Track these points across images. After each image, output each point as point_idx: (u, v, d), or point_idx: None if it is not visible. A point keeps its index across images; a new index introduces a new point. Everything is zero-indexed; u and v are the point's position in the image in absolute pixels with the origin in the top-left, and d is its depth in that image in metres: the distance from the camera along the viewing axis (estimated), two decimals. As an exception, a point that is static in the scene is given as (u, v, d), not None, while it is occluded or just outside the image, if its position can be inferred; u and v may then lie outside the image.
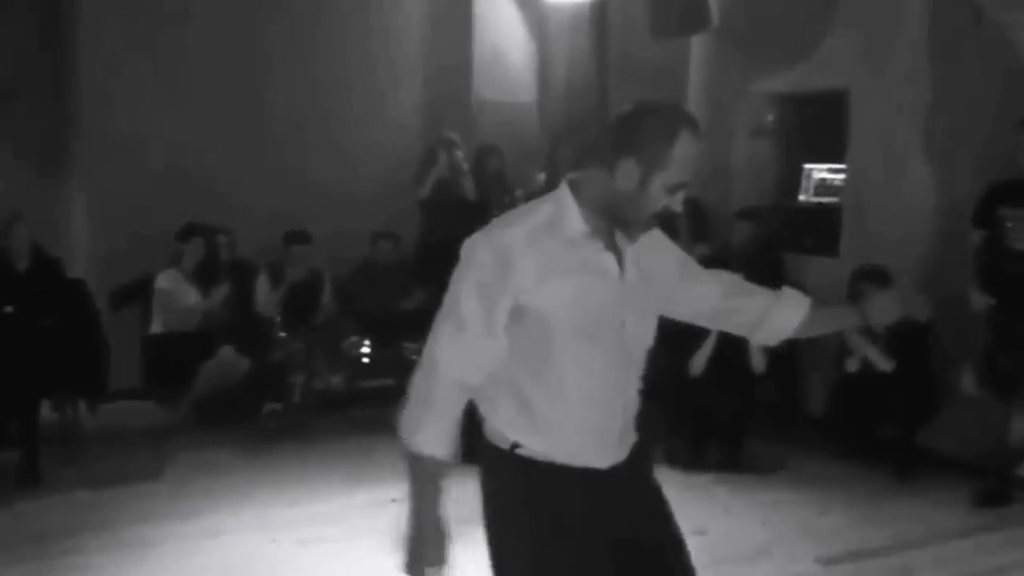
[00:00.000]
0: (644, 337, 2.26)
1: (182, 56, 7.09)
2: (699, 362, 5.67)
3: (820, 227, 6.58)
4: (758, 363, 5.67)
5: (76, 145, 7.12)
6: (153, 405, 6.41)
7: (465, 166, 7.45)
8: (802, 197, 6.90)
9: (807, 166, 6.90)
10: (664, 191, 2.06)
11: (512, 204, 7.52)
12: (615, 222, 2.12)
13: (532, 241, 2.06)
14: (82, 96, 6.98)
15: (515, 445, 2.15)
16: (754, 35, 6.79)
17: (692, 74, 7.34)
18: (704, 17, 6.79)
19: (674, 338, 5.63)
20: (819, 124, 6.85)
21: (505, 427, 2.16)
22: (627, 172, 2.04)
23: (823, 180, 6.79)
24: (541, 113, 8.34)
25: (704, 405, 5.72)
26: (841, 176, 6.59)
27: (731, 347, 5.64)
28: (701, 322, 2.48)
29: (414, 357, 6.58)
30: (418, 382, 2.10)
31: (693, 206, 6.72)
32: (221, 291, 6.52)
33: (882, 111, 6.01)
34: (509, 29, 8.17)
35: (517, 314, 2.07)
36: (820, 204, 6.74)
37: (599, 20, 8.02)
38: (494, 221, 2.19)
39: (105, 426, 5.99)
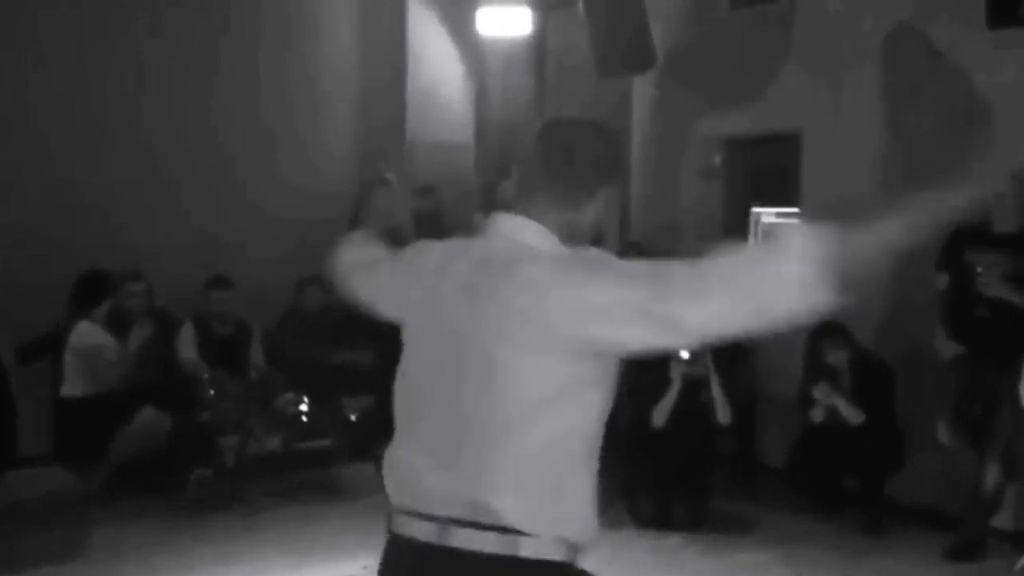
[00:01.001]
0: None
1: (82, 81, 6.60)
2: (661, 413, 5.43)
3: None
4: (723, 414, 5.46)
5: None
6: (66, 473, 5.84)
7: (403, 209, 7.11)
8: (751, 242, 6.74)
9: (755, 209, 6.76)
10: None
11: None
12: None
13: None
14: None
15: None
16: (700, 75, 6.65)
17: (635, 113, 7.16)
18: (649, 56, 6.64)
19: (635, 390, 5.47)
20: (768, 167, 6.73)
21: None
22: (603, 199, 1.91)
23: (771, 224, 6.67)
24: (478, 153, 8.06)
25: (667, 459, 5.47)
26: (792, 220, 6.46)
27: (693, 397, 5.43)
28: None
29: (352, 416, 6.31)
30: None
31: (636, 249, 6.53)
32: (142, 331, 5.94)
33: (836, 153, 5.91)
34: (444, 65, 7.89)
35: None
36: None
37: (537, 57, 7.82)
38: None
39: (13, 498, 5.42)
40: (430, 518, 1.76)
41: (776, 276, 1.56)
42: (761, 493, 5.92)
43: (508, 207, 1.93)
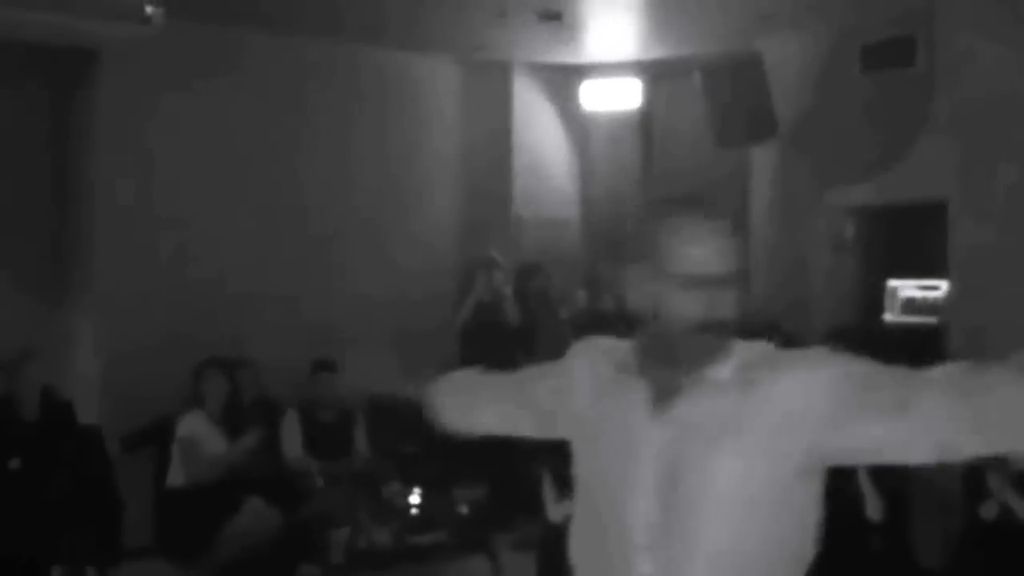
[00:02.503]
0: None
1: (204, 169, 6.51)
2: None
3: (913, 348, 5.97)
4: (873, 508, 4.96)
5: (80, 270, 6.45)
6: (171, 567, 5.56)
7: (507, 288, 6.85)
8: (888, 316, 6.31)
9: (892, 283, 6.34)
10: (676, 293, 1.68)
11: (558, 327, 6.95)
12: None
13: None
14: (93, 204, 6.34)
15: None
16: (827, 142, 6.31)
17: (755, 185, 6.83)
18: (771, 125, 6.36)
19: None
20: (904, 238, 6.32)
21: None
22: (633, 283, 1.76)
23: (912, 298, 6.23)
24: (585, 229, 7.79)
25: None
26: (935, 293, 6.04)
27: (838, 492, 4.96)
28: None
29: (463, 510, 5.96)
30: None
31: (769, 330, 6.13)
32: (252, 437, 5.70)
33: (986, 226, 5.49)
34: (550, 138, 7.69)
35: None
36: (913, 324, 6.15)
37: (645, 129, 7.57)
38: None
39: (117, 595, 5.15)
40: None
41: None
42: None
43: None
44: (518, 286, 6.99)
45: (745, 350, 1.66)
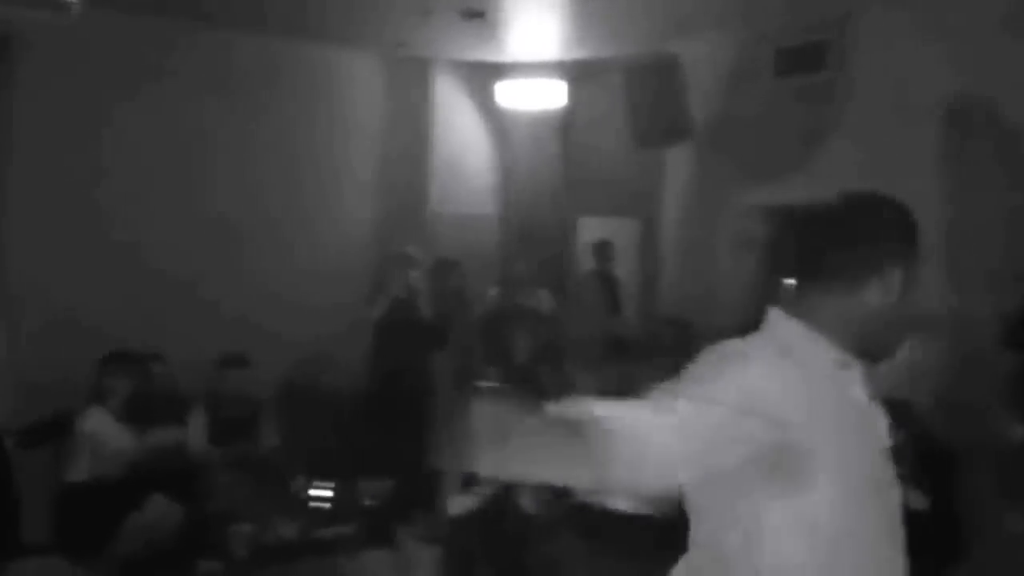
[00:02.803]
0: None
1: (115, 160, 6.39)
2: None
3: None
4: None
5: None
6: (68, 565, 5.45)
7: (423, 285, 6.84)
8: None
9: (788, 281, 6.46)
10: None
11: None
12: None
13: None
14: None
15: None
16: (739, 145, 6.42)
17: (669, 184, 6.92)
18: (687, 126, 6.46)
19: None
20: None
21: None
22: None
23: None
24: (502, 227, 7.82)
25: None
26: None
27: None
28: None
29: (369, 502, 5.94)
30: None
31: (676, 326, 6.23)
32: (162, 435, 5.61)
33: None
34: (469, 138, 7.70)
35: None
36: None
37: (564, 130, 7.63)
38: None
39: (10, 593, 5.02)
40: None
41: None
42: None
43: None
44: (434, 283, 6.98)
45: None
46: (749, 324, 5.99)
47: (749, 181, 6.41)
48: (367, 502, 5.92)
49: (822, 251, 1.73)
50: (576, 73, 7.47)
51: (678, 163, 6.89)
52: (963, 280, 5.30)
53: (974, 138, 5.38)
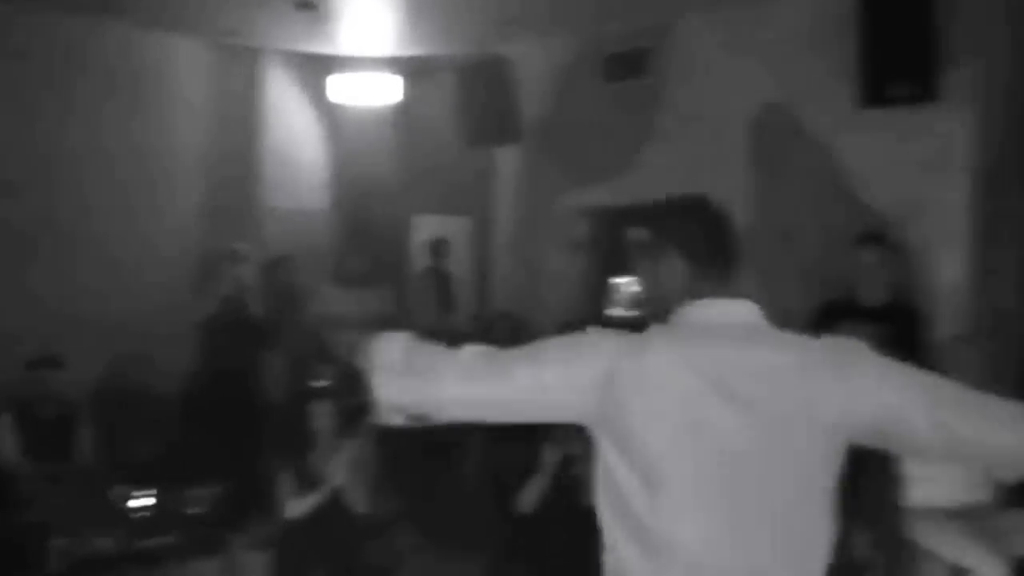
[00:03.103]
0: None
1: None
2: (528, 499, 5.03)
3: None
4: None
5: None
6: None
7: (253, 282, 6.69)
8: (612, 311, 6.67)
9: (614, 280, 6.72)
10: None
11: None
12: None
13: None
14: None
15: None
16: (566, 147, 6.59)
17: (499, 184, 7.03)
18: (517, 127, 6.57)
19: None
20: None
21: None
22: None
23: (631, 294, 6.62)
24: (335, 222, 7.73)
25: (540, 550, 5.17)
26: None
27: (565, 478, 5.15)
28: None
29: (196, 510, 5.77)
30: None
31: (508, 319, 6.34)
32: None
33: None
34: (300, 131, 7.57)
35: None
36: (631, 317, 6.53)
37: (397, 126, 7.61)
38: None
39: None
40: None
41: None
42: None
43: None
44: (264, 280, 6.84)
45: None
46: (579, 320, 6.16)
47: (576, 183, 6.59)
48: (193, 510, 5.75)
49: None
50: (410, 69, 7.47)
51: (508, 163, 7.01)
52: (774, 277, 5.63)
53: (780, 146, 5.71)
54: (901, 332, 4.83)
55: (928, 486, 4.37)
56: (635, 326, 1.75)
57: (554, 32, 6.67)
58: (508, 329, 6.32)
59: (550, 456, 4.90)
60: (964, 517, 4.26)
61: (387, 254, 7.58)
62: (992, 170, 5.10)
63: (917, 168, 5.16)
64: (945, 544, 4.26)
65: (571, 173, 6.57)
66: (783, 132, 5.65)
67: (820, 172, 5.46)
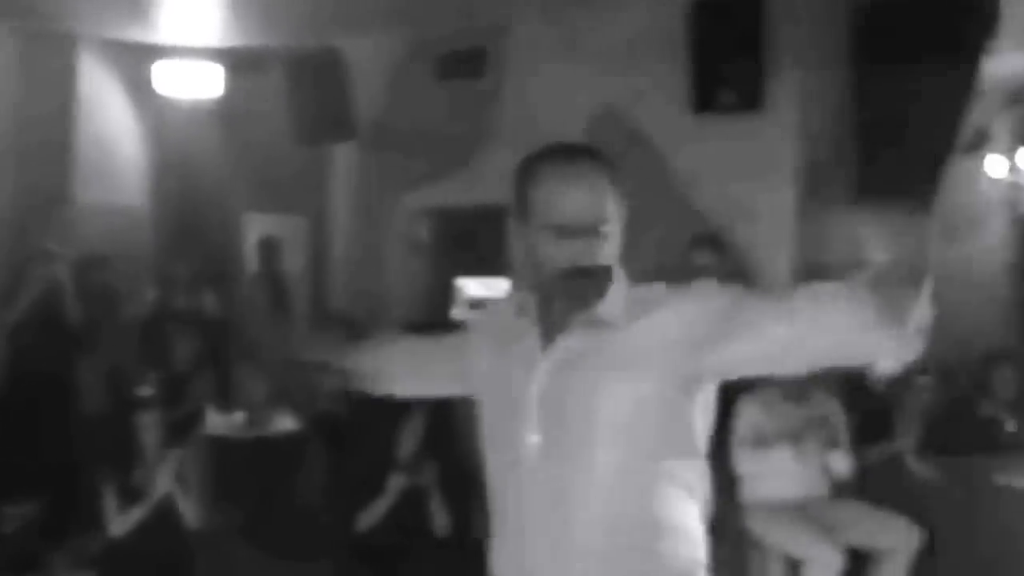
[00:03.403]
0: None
1: None
2: (368, 519, 4.87)
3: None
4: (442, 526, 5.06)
5: None
6: None
7: (67, 282, 6.26)
8: (455, 312, 6.65)
9: (459, 281, 6.68)
10: (546, 242, 1.75)
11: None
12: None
13: None
14: None
15: None
16: (404, 145, 6.49)
17: (335, 183, 6.86)
18: (349, 126, 6.42)
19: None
20: (476, 239, 6.67)
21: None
22: (514, 235, 1.85)
23: (477, 296, 6.61)
24: (156, 221, 7.34)
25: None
26: (498, 291, 6.43)
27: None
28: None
29: (4, 529, 5.34)
30: None
31: (348, 323, 6.19)
32: None
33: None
34: (118, 123, 7.14)
35: None
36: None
37: (223, 119, 7.29)
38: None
39: None
40: None
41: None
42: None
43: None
44: (79, 280, 6.42)
45: (639, 291, 1.82)
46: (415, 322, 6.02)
47: (415, 183, 6.50)
48: (5, 529, 5.35)
49: None
50: (236, 61, 7.18)
51: (344, 161, 6.85)
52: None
53: (615, 149, 5.81)
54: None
55: (763, 482, 4.55)
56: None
57: (388, 27, 6.57)
58: (347, 332, 6.18)
59: (395, 483, 4.77)
60: (798, 510, 4.46)
61: (216, 254, 7.27)
62: (814, 175, 5.37)
63: (746, 173, 5.37)
64: (781, 537, 4.44)
65: (410, 172, 6.48)
66: (619, 136, 5.75)
67: (655, 175, 5.59)
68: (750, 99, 5.29)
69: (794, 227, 5.34)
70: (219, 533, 5.00)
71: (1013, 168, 6.94)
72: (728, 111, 5.33)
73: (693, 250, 5.11)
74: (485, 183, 6.17)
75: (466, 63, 6.50)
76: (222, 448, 5.47)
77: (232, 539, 5.09)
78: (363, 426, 5.41)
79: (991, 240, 7.99)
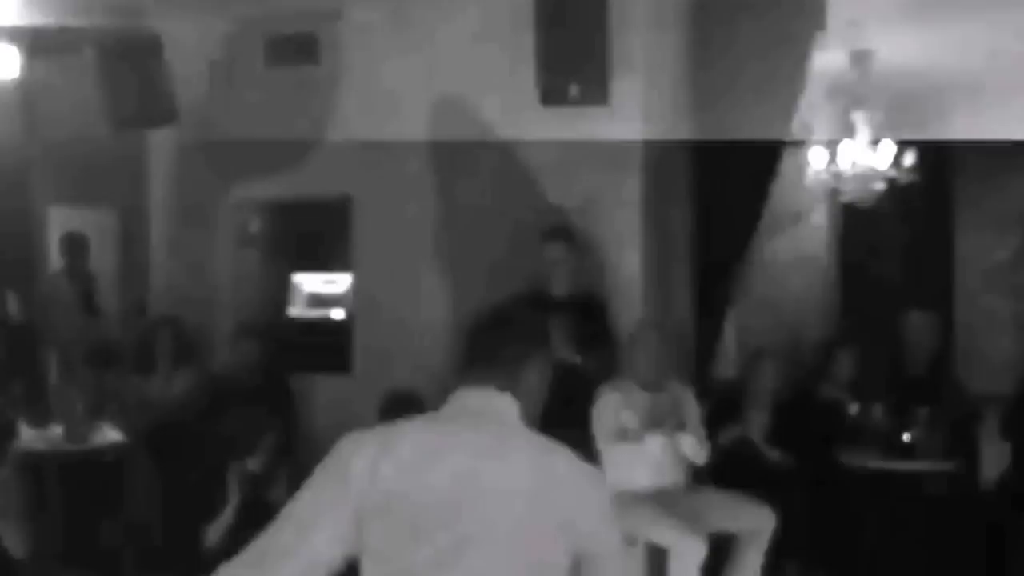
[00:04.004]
0: None
1: None
2: (214, 534, 4.52)
3: (323, 343, 6.06)
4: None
5: None
6: None
7: None
8: (293, 310, 6.32)
9: (296, 277, 6.36)
10: None
11: None
12: None
13: None
14: None
15: None
16: (230, 134, 6.09)
17: (154, 173, 6.36)
18: (170, 110, 5.95)
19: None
20: (313, 233, 6.36)
21: None
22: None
23: (316, 293, 6.32)
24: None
25: None
26: (338, 287, 6.18)
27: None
28: None
29: None
30: None
31: (172, 325, 5.78)
32: None
33: (388, 221, 5.74)
34: None
35: None
36: (322, 318, 6.23)
37: (25, 104, 6.64)
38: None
39: None
40: None
41: None
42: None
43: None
44: None
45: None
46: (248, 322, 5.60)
47: (244, 174, 6.12)
48: None
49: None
50: (37, 42, 6.52)
51: (163, 149, 6.36)
52: (463, 270, 5.59)
53: (461, 139, 5.68)
54: (587, 321, 5.01)
55: (624, 471, 4.54)
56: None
57: (210, 9, 6.15)
58: (171, 336, 5.77)
59: (242, 492, 4.47)
60: (659, 499, 4.48)
61: (18, 253, 6.61)
62: (658, 168, 5.42)
63: (594, 165, 5.35)
64: (644, 525, 4.44)
65: (239, 163, 6.08)
66: (465, 125, 5.61)
67: (504, 168, 5.49)
68: (598, 94, 5.26)
69: (639, 222, 5.36)
70: (44, 558, 4.55)
71: (834, 159, 7.30)
72: (576, 105, 5.28)
73: (546, 243, 5.06)
74: (322, 175, 5.90)
75: (297, 49, 6.17)
76: (38, 464, 5.00)
77: (58, 566, 4.65)
78: (201, 435, 5.07)
79: (816, 228, 8.44)
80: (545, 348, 2.08)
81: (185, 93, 5.80)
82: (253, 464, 4.53)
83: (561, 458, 1.87)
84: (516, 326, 2.07)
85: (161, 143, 6.33)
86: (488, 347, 1.99)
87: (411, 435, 1.87)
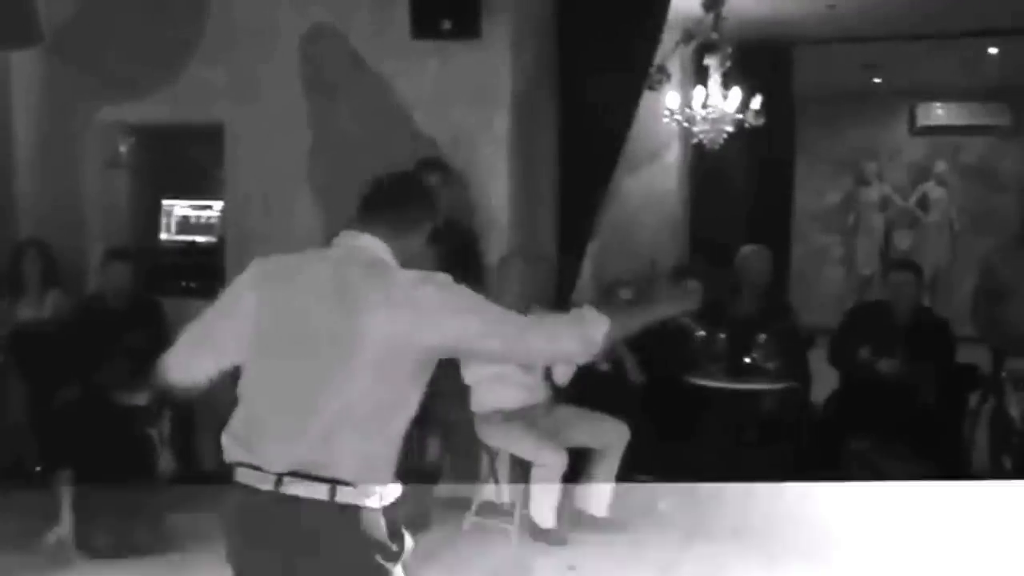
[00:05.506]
0: None
1: None
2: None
3: (194, 267, 6.11)
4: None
5: None
6: None
7: None
8: (164, 236, 6.33)
9: (167, 203, 6.34)
10: None
11: None
12: None
13: None
14: None
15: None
16: (99, 56, 5.99)
17: (17, 96, 6.19)
18: (31, 30, 5.78)
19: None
20: (184, 159, 6.34)
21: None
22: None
23: (187, 217, 6.33)
24: None
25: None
26: (208, 213, 6.21)
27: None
28: None
29: None
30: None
31: (36, 248, 5.71)
32: None
33: (262, 148, 5.80)
34: None
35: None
36: (192, 243, 6.26)
37: None
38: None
39: None
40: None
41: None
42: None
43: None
44: None
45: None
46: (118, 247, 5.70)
47: (113, 97, 6.03)
48: None
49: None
50: None
51: (26, 70, 6.18)
52: (334, 199, 5.70)
53: (333, 69, 5.76)
54: (458, 250, 5.23)
55: (489, 392, 4.85)
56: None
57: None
58: (38, 258, 5.71)
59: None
60: (522, 416, 4.81)
61: None
62: (525, 104, 5.66)
63: (465, 99, 5.54)
64: (508, 441, 4.79)
65: (108, 86, 5.98)
66: (336, 55, 5.69)
67: (376, 98, 5.62)
68: (469, 28, 5.41)
69: (507, 154, 5.59)
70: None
71: (686, 102, 7.70)
72: (447, 38, 5.43)
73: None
74: (192, 100, 5.88)
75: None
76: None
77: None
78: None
79: (669, 166, 8.87)
80: (430, 219, 2.36)
81: (50, 10, 5.67)
82: (139, 399, 4.64)
83: (413, 276, 2.17)
84: (412, 193, 2.37)
85: (23, 63, 6.16)
86: (380, 204, 2.29)
87: (292, 258, 2.28)
